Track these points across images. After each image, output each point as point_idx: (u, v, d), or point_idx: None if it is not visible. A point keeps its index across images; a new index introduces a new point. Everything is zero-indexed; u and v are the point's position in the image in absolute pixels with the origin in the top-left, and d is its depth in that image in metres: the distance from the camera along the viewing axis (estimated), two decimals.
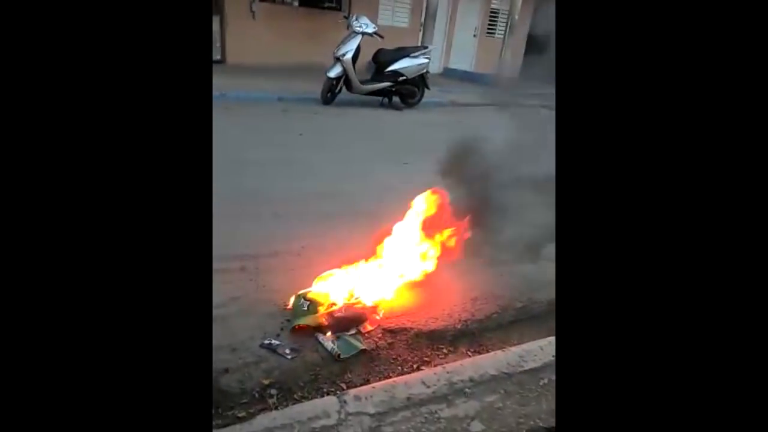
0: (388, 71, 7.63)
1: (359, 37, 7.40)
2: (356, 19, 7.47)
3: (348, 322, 2.23)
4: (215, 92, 6.94)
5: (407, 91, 7.82)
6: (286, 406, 1.78)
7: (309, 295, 2.30)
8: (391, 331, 2.30)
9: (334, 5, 10.12)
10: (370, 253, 2.66)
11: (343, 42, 7.36)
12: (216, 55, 8.85)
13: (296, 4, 9.70)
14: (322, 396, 1.85)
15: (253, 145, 5.09)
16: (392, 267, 2.51)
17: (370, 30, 7.49)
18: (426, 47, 8.15)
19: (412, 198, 2.75)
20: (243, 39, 8.96)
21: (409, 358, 2.16)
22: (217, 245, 2.91)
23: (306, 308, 2.23)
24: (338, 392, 1.84)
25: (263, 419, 1.66)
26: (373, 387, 1.90)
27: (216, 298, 2.32)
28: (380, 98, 7.82)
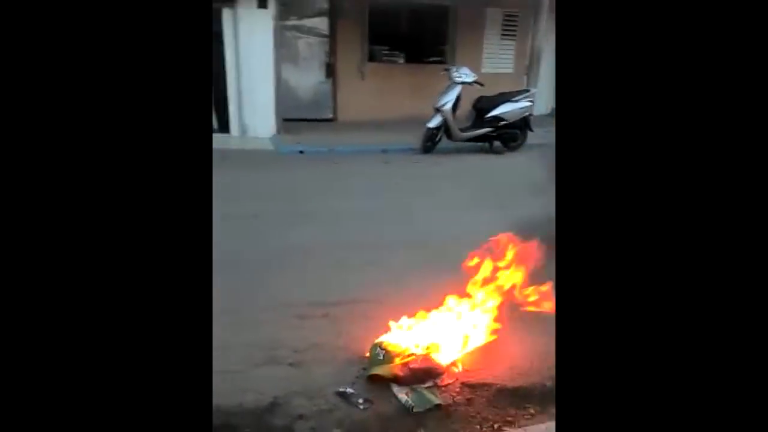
0: (489, 117, 7.60)
1: (459, 87, 7.53)
2: (456, 70, 7.65)
3: (424, 374, 2.17)
4: (325, 148, 7.48)
5: (508, 136, 7.69)
6: None
7: (385, 344, 2.29)
8: (471, 386, 2.18)
9: (438, 59, 10.48)
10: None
11: (443, 93, 7.54)
12: (328, 114, 9.59)
13: (402, 61, 10.24)
14: None
15: (351, 195, 5.33)
16: (471, 318, 2.42)
17: (469, 79, 7.60)
18: (528, 90, 8.00)
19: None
20: (352, 97, 9.62)
21: (490, 417, 2.02)
22: (304, 293, 3.06)
23: (381, 357, 2.23)
24: None
25: None
26: None
27: (297, 344, 2.44)
28: (482, 143, 7.79)
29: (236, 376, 2.17)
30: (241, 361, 2.27)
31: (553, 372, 2.29)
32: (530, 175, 4.90)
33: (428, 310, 2.54)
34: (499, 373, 2.26)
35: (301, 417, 1.94)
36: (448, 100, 7.37)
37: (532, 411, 2.08)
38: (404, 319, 2.46)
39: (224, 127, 7.85)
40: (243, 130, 7.91)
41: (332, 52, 9.35)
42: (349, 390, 2.09)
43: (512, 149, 7.79)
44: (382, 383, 2.14)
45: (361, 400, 2.04)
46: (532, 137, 7.89)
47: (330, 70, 9.45)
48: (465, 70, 7.69)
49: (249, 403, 1.99)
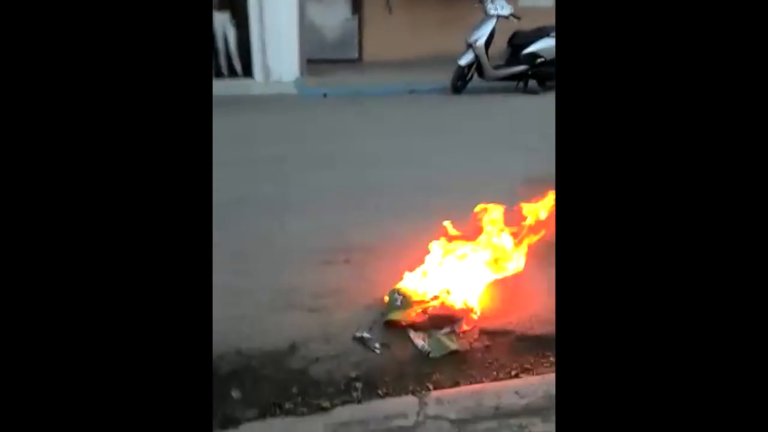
0: (525, 54, 7.15)
1: (493, 21, 7.08)
2: (491, 2, 7.15)
3: (442, 320, 2.15)
4: (349, 89, 7.27)
5: (545, 74, 7.24)
6: (369, 400, 1.78)
7: (403, 290, 2.26)
8: (490, 333, 2.15)
9: None
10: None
11: (476, 27, 7.11)
12: (353, 54, 9.27)
13: None
14: (407, 395, 1.81)
15: (374, 138, 5.21)
16: (492, 261, 2.35)
17: (505, 12, 7.11)
18: None
19: (537, 189, 2.54)
20: (379, 35, 9.22)
21: (507, 364, 1.99)
22: (325, 237, 3.04)
23: (399, 303, 2.21)
24: (420, 392, 1.78)
25: (342, 412, 1.69)
26: (459, 391, 1.80)
27: (317, 289, 2.44)
28: (516, 83, 7.39)
29: (256, 319, 2.20)
30: (261, 306, 2.30)
31: None
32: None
33: (448, 256, 2.48)
34: (520, 321, 2.21)
35: (317, 360, 1.96)
36: (481, 35, 6.95)
37: (551, 359, 2.04)
38: (423, 265, 2.41)
39: (247, 72, 7.71)
40: (266, 74, 7.74)
41: None
42: (366, 335, 2.09)
43: (549, 89, 7.37)
44: (399, 329, 2.13)
45: (377, 345, 2.04)
46: None
47: (356, 6, 9.03)
48: (501, 2, 7.18)
49: (268, 347, 2.02)
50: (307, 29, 8.09)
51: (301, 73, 7.91)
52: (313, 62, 8.26)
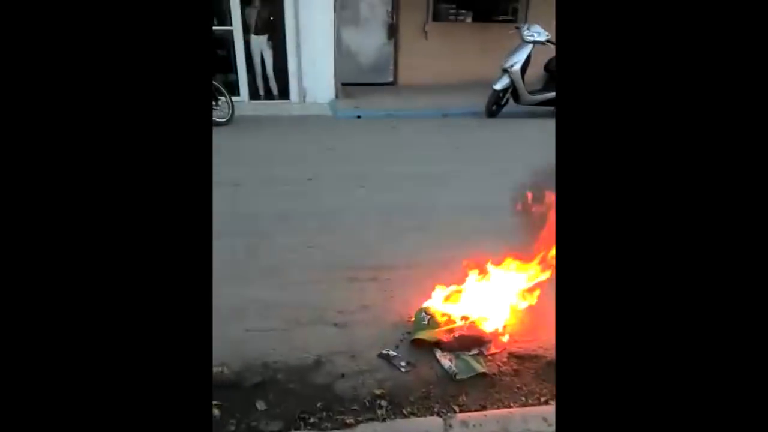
0: None
1: (530, 47, 7.07)
2: (527, 29, 7.17)
3: (470, 341, 2.11)
4: (383, 111, 7.37)
5: None
6: (394, 419, 1.76)
7: (431, 310, 2.24)
8: (519, 357, 2.10)
9: (509, 17, 9.90)
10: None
11: (512, 53, 7.13)
12: (388, 78, 9.42)
13: (469, 20, 9.77)
14: (432, 415, 1.78)
15: (406, 159, 5.24)
16: (523, 285, 2.30)
17: (542, 38, 7.11)
18: None
19: None
20: (414, 60, 9.35)
21: (537, 390, 1.94)
22: (355, 255, 3.06)
23: (426, 322, 2.18)
24: (446, 414, 1.75)
25: (365, 429, 1.67)
26: (485, 415, 1.75)
27: (344, 305, 2.44)
28: (552, 108, 7.33)
29: (283, 334, 2.22)
30: (289, 320, 2.32)
31: None
32: None
33: (477, 278, 2.45)
34: (550, 346, 2.15)
35: (343, 376, 1.96)
36: (517, 60, 6.96)
37: None
38: (452, 287, 2.39)
39: (284, 94, 7.93)
40: (302, 95, 7.95)
41: (395, 11, 9.08)
42: (392, 353, 2.07)
43: None
44: (425, 348, 2.11)
45: (403, 363, 2.02)
46: None
47: (392, 31, 9.22)
48: (537, 28, 7.18)
49: (294, 361, 2.03)
50: (343, 53, 8.30)
51: (336, 96, 8.09)
52: (349, 85, 8.44)
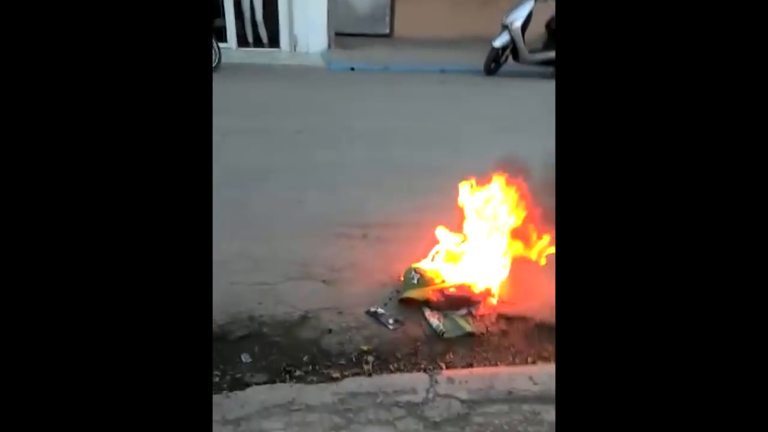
0: None
1: (531, 3, 6.83)
2: None
3: (459, 301, 2.10)
4: (378, 65, 7.15)
5: None
6: (380, 374, 1.75)
7: (421, 269, 2.21)
8: (508, 319, 2.09)
9: None
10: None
11: (513, 8, 6.89)
12: (384, 29, 9.09)
13: None
14: (418, 371, 1.78)
15: (400, 116, 5.11)
16: (512, 245, 2.27)
17: None
18: None
19: None
20: (412, 12, 9.01)
21: (524, 351, 1.94)
22: (345, 211, 3.00)
23: (416, 281, 2.16)
24: (431, 370, 1.75)
25: (351, 383, 1.66)
26: (471, 372, 1.76)
27: (333, 262, 2.41)
28: (552, 68, 7.16)
29: (270, 288, 2.18)
30: (277, 275, 2.28)
31: None
32: None
33: (470, 239, 2.41)
34: (541, 309, 2.14)
35: (330, 331, 1.94)
36: (518, 17, 6.73)
37: None
38: (443, 245, 2.35)
39: (274, 42, 7.63)
40: (293, 44, 7.65)
41: None
42: (380, 310, 2.05)
43: None
44: (414, 307, 2.09)
45: (391, 321, 2.00)
46: None
47: None
48: None
49: (280, 315, 2.01)
50: (337, 1, 7.95)
51: (329, 46, 7.80)
52: (342, 35, 8.14)
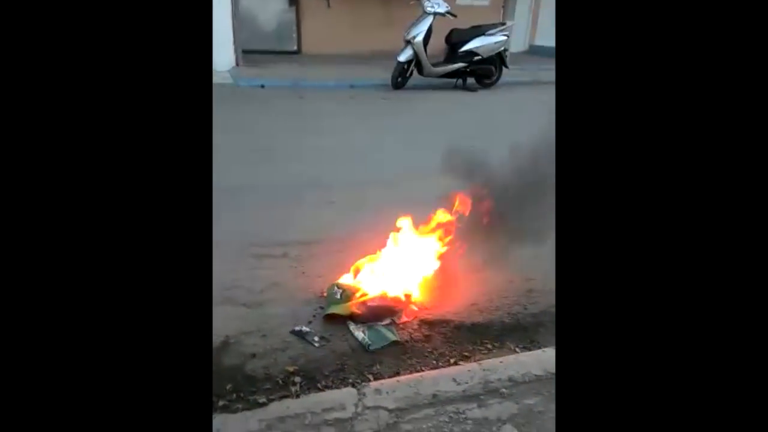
0: (462, 51, 7.32)
1: (430, 18, 7.16)
2: (428, 0, 7.24)
3: (382, 312, 2.14)
4: (288, 81, 7.12)
5: (483, 71, 7.45)
6: (308, 394, 1.74)
7: (343, 284, 2.24)
8: (429, 323, 2.17)
9: None
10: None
11: (414, 24, 7.17)
12: (292, 46, 9.07)
13: None
14: (346, 387, 1.78)
15: (313, 132, 5.13)
16: (427, 253, 2.37)
17: (442, 10, 7.22)
18: (504, 24, 7.70)
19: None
20: (318, 29, 9.09)
21: (447, 353, 2.02)
22: (263, 231, 2.94)
23: (339, 296, 2.18)
24: (359, 384, 1.76)
25: (278, 407, 1.63)
26: (398, 381, 1.80)
27: (253, 284, 2.36)
28: (455, 80, 7.54)
29: None
30: None
31: (514, 309, 2.30)
32: (500, 116, 4.78)
33: (387, 249, 2.47)
34: (459, 311, 2.25)
35: (254, 356, 1.89)
36: (419, 32, 7.02)
37: (489, 346, 2.09)
38: (363, 259, 2.40)
39: None
40: None
41: None
42: (305, 329, 2.04)
43: (486, 86, 7.59)
44: (339, 322, 2.10)
45: (316, 338, 2.00)
46: (509, 74, 7.68)
47: None
48: (438, 0, 7.29)
49: None
50: (241, 19, 7.82)
51: (237, 63, 7.64)
52: (251, 53, 8.01)
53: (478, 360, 1.96)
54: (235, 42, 7.57)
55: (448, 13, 7.20)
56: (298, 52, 9.15)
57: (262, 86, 6.92)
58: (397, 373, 1.88)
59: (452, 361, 1.98)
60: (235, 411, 1.63)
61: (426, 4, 7.15)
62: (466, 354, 2.02)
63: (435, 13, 7.12)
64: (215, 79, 7.07)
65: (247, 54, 7.86)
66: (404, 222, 2.43)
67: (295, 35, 9.12)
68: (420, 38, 6.97)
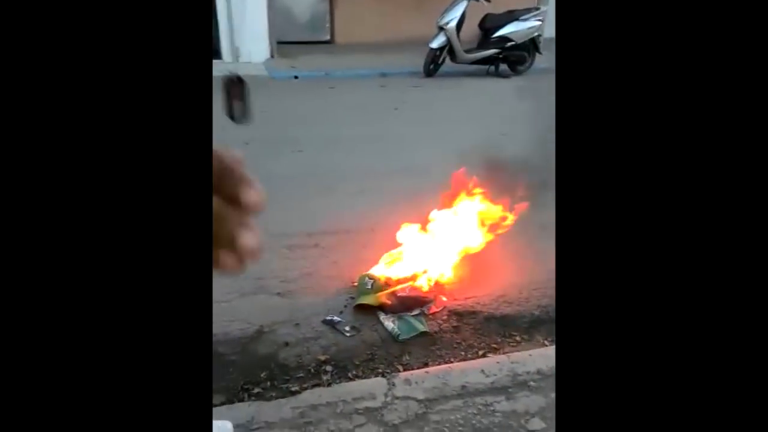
0: (495, 37, 7.17)
1: (464, 4, 7.04)
2: None
3: (412, 302, 2.16)
4: (321, 71, 7.16)
5: (516, 58, 7.29)
6: (339, 383, 1.79)
7: (374, 274, 2.27)
8: (459, 314, 2.18)
9: None
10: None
11: (447, 10, 7.07)
12: (325, 36, 9.09)
13: None
14: (377, 377, 1.82)
15: (345, 121, 5.16)
16: (458, 241, 2.37)
17: None
18: (538, 8, 7.49)
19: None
20: (351, 18, 9.06)
21: (475, 344, 2.03)
22: (295, 221, 3.01)
23: (369, 287, 2.21)
24: (388, 374, 1.80)
25: (310, 395, 1.69)
26: (427, 372, 1.82)
27: (286, 274, 2.42)
28: (487, 66, 7.40)
29: (223, 305, 2.17)
30: (229, 291, 2.26)
31: (544, 301, 2.28)
32: (531, 103, 4.65)
33: (417, 238, 2.49)
34: (489, 302, 2.25)
35: (286, 344, 1.96)
36: (452, 18, 6.91)
37: (517, 338, 2.08)
38: (394, 249, 2.42)
39: (215, 53, 7.49)
40: (235, 55, 7.54)
41: None
42: (336, 318, 2.09)
43: (519, 73, 7.42)
44: (369, 312, 2.14)
45: (347, 328, 2.04)
46: (542, 60, 7.47)
47: None
48: None
49: (235, 332, 2.00)
50: (276, 10, 7.90)
51: (272, 55, 7.74)
52: (284, 44, 8.09)
53: (507, 352, 1.97)
54: (270, 34, 7.66)
55: None
56: (331, 41, 9.18)
57: (296, 77, 6.99)
58: (426, 364, 1.90)
59: (481, 353, 1.99)
60: (269, 399, 1.69)
61: None
62: (494, 346, 2.03)
63: None
64: (251, 71, 7.19)
65: (281, 45, 7.94)
66: (435, 213, 2.44)
67: (328, 25, 9.14)
68: (453, 24, 6.87)
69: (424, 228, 2.43)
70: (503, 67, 7.39)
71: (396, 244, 2.45)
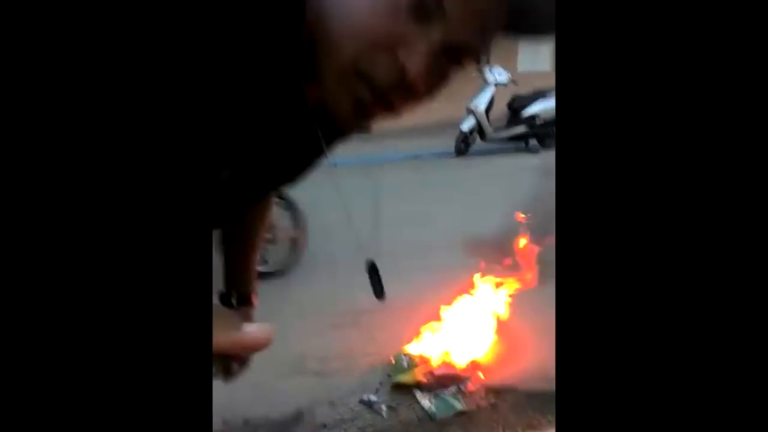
0: (525, 116, 7.46)
1: (492, 88, 7.44)
2: (489, 70, 7.55)
3: (448, 379, 2.16)
4: (358, 158, 7.56)
5: (544, 133, 7.51)
6: None
7: (410, 351, 2.29)
8: (496, 391, 2.15)
9: None
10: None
11: (476, 95, 7.47)
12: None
13: None
14: None
15: (381, 201, 5.34)
16: (490, 320, 2.38)
17: (503, 79, 7.50)
18: None
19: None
20: None
21: (513, 422, 1.99)
22: (333, 300, 3.10)
23: (405, 364, 2.23)
24: None
25: None
26: None
27: (324, 353, 2.48)
28: (516, 143, 7.63)
29: (263, 387, 2.22)
30: (269, 373, 2.32)
31: None
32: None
33: (452, 313, 2.52)
34: (526, 378, 2.21)
35: (324, 426, 1.98)
36: (481, 102, 7.30)
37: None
38: (430, 325, 2.45)
39: None
40: None
41: None
42: (373, 398, 2.10)
43: (549, 147, 7.60)
44: (406, 390, 2.14)
45: (384, 407, 2.05)
46: None
47: None
48: (499, 69, 7.59)
49: (274, 415, 2.04)
50: None
51: None
52: None
53: (547, 430, 1.91)
54: None
55: (510, 81, 7.44)
56: (367, 129, 9.75)
57: (335, 165, 7.39)
58: None
59: (519, 430, 1.93)
60: None
61: (488, 75, 7.46)
62: (533, 423, 1.97)
63: (497, 84, 7.40)
64: None
65: None
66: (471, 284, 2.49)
67: None
68: (482, 107, 7.23)
69: (460, 304, 2.47)
70: (532, 142, 7.60)
71: (434, 319, 2.48)
